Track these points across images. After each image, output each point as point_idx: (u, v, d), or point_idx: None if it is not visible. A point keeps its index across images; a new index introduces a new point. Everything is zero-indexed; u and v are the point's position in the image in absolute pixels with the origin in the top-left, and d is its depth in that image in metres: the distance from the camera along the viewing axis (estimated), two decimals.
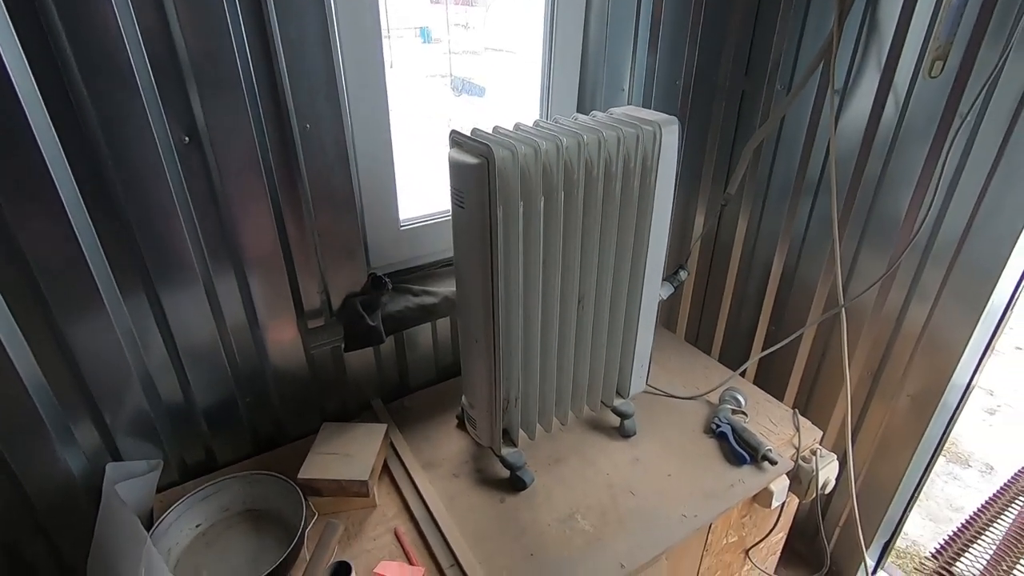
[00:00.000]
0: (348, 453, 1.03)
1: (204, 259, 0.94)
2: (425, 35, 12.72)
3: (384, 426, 1.10)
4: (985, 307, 1.16)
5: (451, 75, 9.40)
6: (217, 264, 0.96)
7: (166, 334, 0.96)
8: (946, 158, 1.12)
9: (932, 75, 1.09)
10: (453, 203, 0.87)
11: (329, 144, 0.98)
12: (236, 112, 0.87)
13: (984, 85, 1.03)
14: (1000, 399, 3.00)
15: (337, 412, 1.22)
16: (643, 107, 1.26)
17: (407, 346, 1.26)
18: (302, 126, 0.94)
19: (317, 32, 0.89)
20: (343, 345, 1.11)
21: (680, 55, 1.34)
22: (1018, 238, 1.08)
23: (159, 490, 1.02)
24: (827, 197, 1.31)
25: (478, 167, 0.80)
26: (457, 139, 0.85)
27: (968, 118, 1.09)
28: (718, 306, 1.69)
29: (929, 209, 1.16)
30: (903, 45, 1.14)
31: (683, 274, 1.41)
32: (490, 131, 0.89)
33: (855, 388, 1.42)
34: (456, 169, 0.83)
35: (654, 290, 1.10)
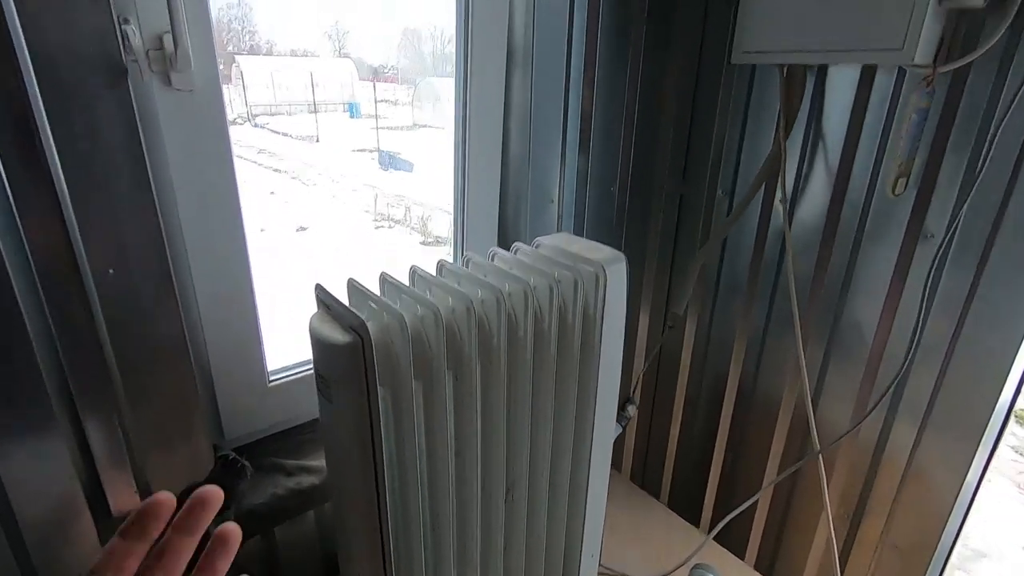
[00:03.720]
0: None
1: None
2: (353, 110, 12.77)
3: None
4: (982, 436, 1.00)
5: (378, 149, 9.33)
6: None
7: None
8: (928, 281, 0.98)
9: (895, 193, 0.97)
10: (318, 388, 0.60)
11: (146, 287, 0.70)
12: None
13: (958, 207, 0.92)
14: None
15: None
16: (576, 234, 1.07)
17: (280, 546, 0.93)
18: (100, 271, 0.66)
19: (120, 129, 0.63)
20: None
21: (614, 159, 1.18)
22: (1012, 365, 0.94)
23: None
24: (785, 303, 1.15)
25: (348, 348, 0.54)
26: (324, 299, 0.60)
27: (935, 239, 0.97)
28: (666, 435, 1.47)
29: (899, 331, 1.01)
30: (854, 160, 1.03)
31: (631, 409, 1.18)
32: (378, 286, 0.64)
33: (826, 537, 1.21)
34: (318, 347, 0.57)
35: (604, 460, 0.86)
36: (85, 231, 0.63)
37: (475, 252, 0.74)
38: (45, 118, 0.58)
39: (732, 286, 1.26)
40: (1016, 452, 3.50)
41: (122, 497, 0.75)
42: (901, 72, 0.95)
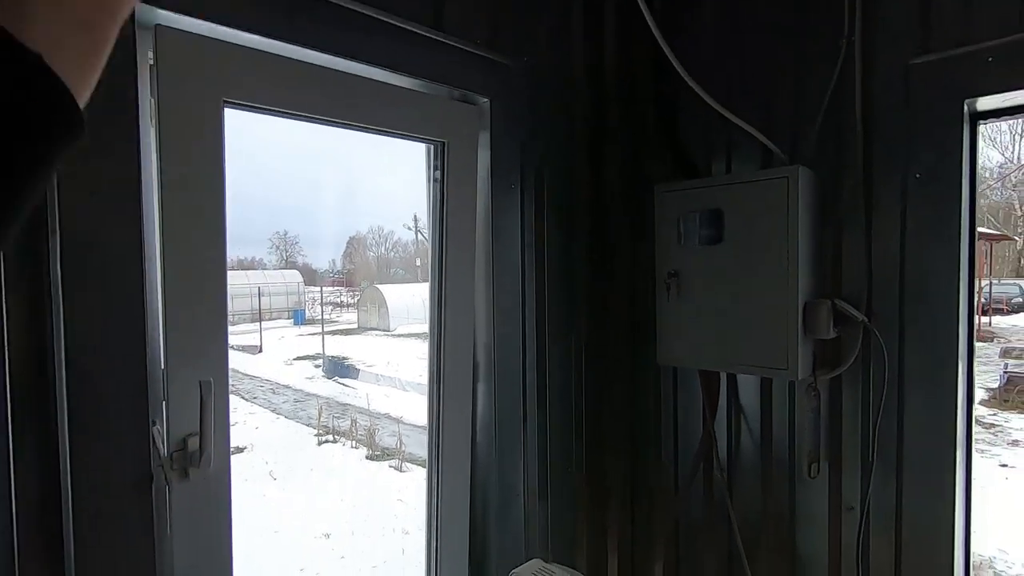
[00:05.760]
0: None
1: None
2: (298, 317, 13.02)
3: None
4: None
5: (323, 356, 9.35)
6: None
7: None
8: (858, 548, 1.09)
9: (811, 476, 1.13)
10: None
11: None
12: None
13: (865, 485, 1.08)
14: None
15: None
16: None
17: None
18: None
19: (136, 533, 0.68)
20: None
21: (568, 453, 1.31)
22: None
23: None
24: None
25: None
26: None
27: (854, 510, 1.11)
28: None
29: None
30: (772, 445, 1.21)
31: None
32: None
33: None
34: None
35: None
36: None
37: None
38: (72, 524, 0.64)
39: (692, 548, 1.33)
40: None
41: None
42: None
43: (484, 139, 1.15)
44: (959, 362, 1.00)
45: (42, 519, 0.64)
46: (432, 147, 1.11)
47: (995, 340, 10.16)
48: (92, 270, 0.67)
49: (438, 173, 1.10)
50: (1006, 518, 5.18)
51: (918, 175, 1.03)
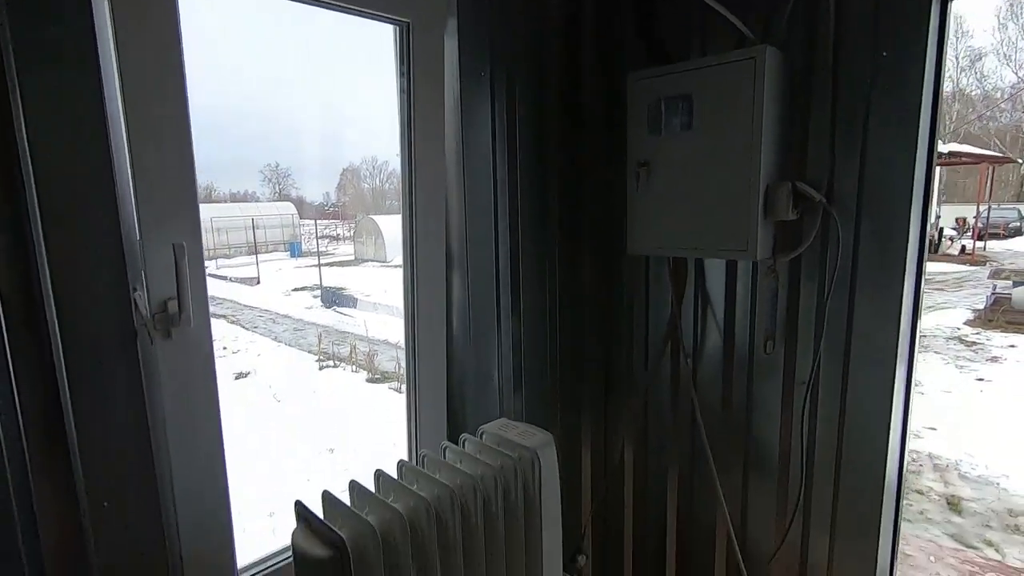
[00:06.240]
0: None
1: None
2: (294, 250, 13.09)
3: None
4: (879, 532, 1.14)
5: (321, 287, 9.47)
6: None
7: None
8: (803, 417, 1.18)
9: (767, 352, 1.20)
10: None
11: (136, 519, 0.77)
12: None
13: (814, 366, 1.15)
14: None
15: None
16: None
17: None
18: (97, 503, 0.74)
19: (125, 386, 0.75)
20: None
21: (543, 339, 1.38)
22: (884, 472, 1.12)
23: None
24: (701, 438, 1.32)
25: (329, 563, 0.64)
26: (304, 514, 0.71)
27: (806, 384, 1.18)
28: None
29: (794, 456, 1.19)
30: (735, 324, 1.27)
31: (582, 560, 1.27)
32: (347, 494, 0.76)
33: None
34: (303, 562, 0.67)
35: None
36: (89, 463, 0.72)
37: (427, 446, 0.87)
38: (65, 375, 0.70)
39: (659, 430, 1.43)
40: (956, 540, 3.68)
41: None
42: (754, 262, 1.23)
43: (452, 26, 1.13)
44: (908, 248, 1.04)
45: (40, 379, 0.69)
46: (397, 32, 1.10)
47: (987, 264, 10.25)
48: (58, 135, 0.69)
49: (404, 67, 1.10)
50: (977, 427, 5.45)
51: (885, 53, 1.03)
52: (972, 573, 3.36)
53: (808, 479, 1.22)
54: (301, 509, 0.71)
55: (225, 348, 7.26)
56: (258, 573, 0.97)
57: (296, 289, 9.95)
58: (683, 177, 1.18)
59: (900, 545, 1.27)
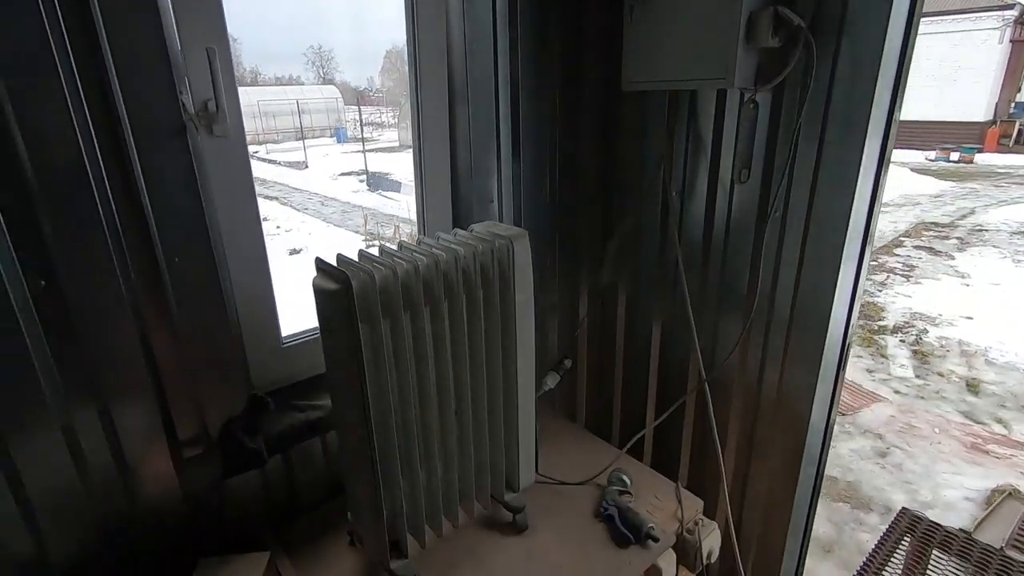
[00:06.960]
0: None
1: (61, 398, 0.91)
2: (340, 135, 13.21)
3: (266, 554, 1.06)
4: (821, 363, 1.30)
5: (366, 172, 9.71)
6: (78, 403, 0.93)
7: (15, 482, 0.90)
8: (777, 242, 1.30)
9: (742, 180, 1.30)
10: (320, 327, 0.92)
11: (200, 274, 1.01)
12: (97, 252, 0.89)
13: (778, 191, 1.25)
14: (888, 441, 3.26)
15: (219, 544, 1.16)
16: (502, 222, 1.40)
17: (296, 465, 1.24)
18: (170, 259, 0.97)
19: (182, 167, 0.95)
20: (221, 472, 1.08)
21: (543, 168, 1.51)
22: (831, 307, 1.26)
23: None
24: (686, 278, 1.48)
25: (339, 292, 0.86)
26: (321, 266, 0.92)
27: (776, 214, 1.29)
28: (611, 392, 1.79)
29: (762, 285, 1.34)
30: (720, 156, 1.36)
31: (568, 363, 1.50)
32: (356, 257, 0.96)
33: (736, 454, 1.52)
34: (320, 295, 0.89)
35: (529, 386, 1.17)
36: (160, 227, 0.95)
37: (428, 236, 1.06)
38: (136, 153, 0.91)
39: (648, 261, 1.59)
40: (966, 417, 3.83)
41: (186, 426, 1.06)
42: (742, 91, 1.29)
43: None
44: (878, 76, 1.07)
45: (118, 160, 0.90)
46: None
47: None
48: None
49: None
50: (1016, 318, 5.34)
51: None
52: (974, 444, 3.53)
53: (769, 316, 1.36)
54: (319, 261, 0.92)
55: (279, 227, 7.75)
56: (298, 340, 1.24)
57: (343, 174, 10.20)
58: (675, 9, 1.22)
59: (842, 384, 1.40)
